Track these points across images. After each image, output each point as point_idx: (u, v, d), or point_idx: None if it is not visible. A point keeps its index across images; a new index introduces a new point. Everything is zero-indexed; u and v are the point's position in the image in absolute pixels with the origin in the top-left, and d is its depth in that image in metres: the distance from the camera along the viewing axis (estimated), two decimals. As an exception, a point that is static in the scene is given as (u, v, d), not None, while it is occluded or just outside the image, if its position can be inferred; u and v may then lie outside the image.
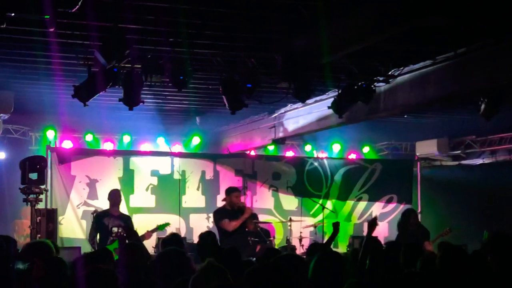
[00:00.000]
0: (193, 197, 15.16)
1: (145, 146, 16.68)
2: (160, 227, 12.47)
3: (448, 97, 11.43)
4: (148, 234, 12.23)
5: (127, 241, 10.25)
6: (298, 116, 15.54)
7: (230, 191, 12.48)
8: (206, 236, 9.05)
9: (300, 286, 5.45)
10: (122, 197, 12.92)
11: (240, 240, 11.52)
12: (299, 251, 12.66)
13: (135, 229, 12.07)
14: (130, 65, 10.96)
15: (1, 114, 14.03)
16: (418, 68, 11.47)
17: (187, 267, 6.18)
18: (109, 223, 12.05)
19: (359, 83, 11.62)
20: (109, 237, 11.89)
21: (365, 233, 12.54)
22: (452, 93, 11.14)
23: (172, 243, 8.00)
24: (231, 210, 12.18)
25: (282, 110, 15.99)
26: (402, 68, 11.63)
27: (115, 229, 11.82)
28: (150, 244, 12.51)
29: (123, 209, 13.19)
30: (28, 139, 16.90)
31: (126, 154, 15.39)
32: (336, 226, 9.02)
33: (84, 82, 10.95)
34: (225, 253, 7.90)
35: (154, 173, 15.02)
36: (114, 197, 12.51)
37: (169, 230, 12.93)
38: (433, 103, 12.21)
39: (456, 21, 8.47)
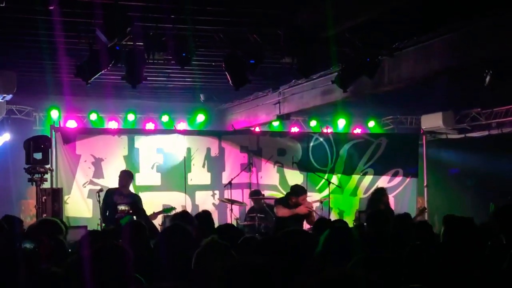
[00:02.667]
0: (198, 174, 15.15)
1: (149, 125, 16.67)
2: (166, 210, 12.50)
3: (453, 69, 11.36)
4: (154, 216, 12.28)
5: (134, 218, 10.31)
6: (302, 92, 15.50)
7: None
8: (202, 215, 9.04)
9: (306, 260, 5.43)
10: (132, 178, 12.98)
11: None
12: (305, 226, 12.64)
13: (142, 208, 12.17)
14: (132, 43, 10.92)
15: (4, 95, 13.99)
16: (422, 41, 11.40)
17: (191, 242, 6.16)
18: (118, 200, 12.11)
19: (363, 57, 11.54)
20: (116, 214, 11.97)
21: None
22: (456, 65, 11.08)
23: (181, 220, 7.96)
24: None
25: (286, 86, 15.94)
26: (406, 41, 11.56)
27: (121, 207, 11.88)
28: (156, 222, 12.55)
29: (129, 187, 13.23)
30: (32, 119, 16.90)
31: (130, 132, 15.36)
32: None
33: (87, 61, 10.91)
34: (223, 229, 7.88)
35: (159, 151, 15.00)
36: (123, 178, 12.54)
37: (176, 207, 12.98)
38: (438, 76, 12.13)
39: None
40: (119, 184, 12.52)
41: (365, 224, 9.28)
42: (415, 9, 9.56)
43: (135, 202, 12.16)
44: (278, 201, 12.55)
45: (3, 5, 8.13)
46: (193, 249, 5.44)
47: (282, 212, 12.11)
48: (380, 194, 13.12)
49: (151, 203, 12.88)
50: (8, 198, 15.44)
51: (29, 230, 7.62)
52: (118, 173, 12.84)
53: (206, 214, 9.08)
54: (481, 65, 11.20)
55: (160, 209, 13.08)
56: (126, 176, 12.61)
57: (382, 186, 15.30)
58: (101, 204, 12.40)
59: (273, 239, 5.90)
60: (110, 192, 12.44)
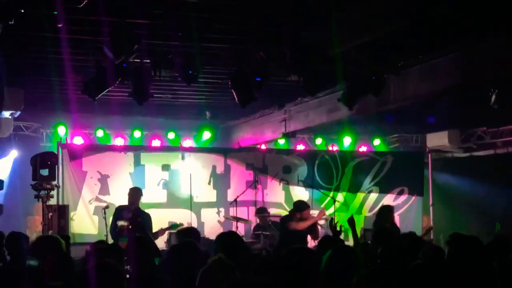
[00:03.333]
0: (204, 191, 15.16)
1: (155, 142, 16.70)
2: (173, 226, 12.46)
3: (458, 88, 11.38)
4: (162, 232, 12.23)
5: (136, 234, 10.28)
6: (308, 109, 15.54)
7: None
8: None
9: (310, 278, 5.44)
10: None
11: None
12: (310, 243, 12.62)
13: (148, 224, 12.06)
14: (139, 60, 10.96)
15: (12, 111, 14.06)
16: (428, 59, 11.43)
17: (199, 260, 6.16)
18: (126, 217, 12.01)
19: (369, 75, 11.57)
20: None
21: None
22: (462, 84, 11.10)
23: (189, 236, 7.94)
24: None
25: (292, 104, 15.97)
26: (411, 59, 11.58)
27: (120, 223, 11.80)
28: (161, 239, 12.53)
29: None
30: (39, 135, 16.95)
31: (137, 149, 15.40)
32: (351, 222, 8.93)
33: (93, 78, 10.97)
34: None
35: (165, 168, 15.02)
36: (131, 196, 12.43)
37: (183, 224, 12.96)
38: (443, 94, 12.14)
39: (465, 12, 8.44)
40: (128, 201, 12.41)
41: (369, 242, 9.28)
42: (421, 29, 9.59)
43: (135, 217, 11.98)
44: (287, 219, 12.45)
45: (12, 22, 8.18)
46: (201, 267, 5.44)
47: (297, 226, 12.04)
48: (386, 212, 13.07)
49: (157, 220, 12.86)
50: (14, 214, 15.46)
51: (31, 248, 7.62)
52: (124, 190, 12.82)
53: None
54: (487, 84, 11.21)
55: (166, 226, 13.05)
56: (134, 194, 12.53)
57: (388, 204, 15.27)
58: (110, 221, 12.34)
59: (277, 257, 5.91)
60: (120, 209, 12.33)
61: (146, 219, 12.09)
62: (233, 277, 5.16)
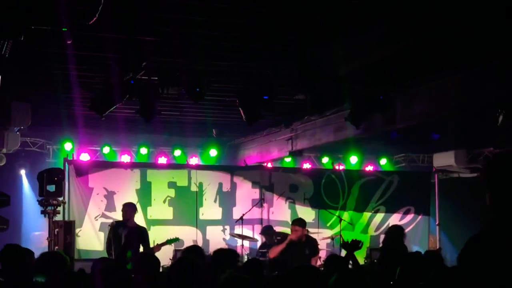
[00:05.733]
0: (210, 209, 15.15)
1: (162, 159, 16.72)
2: (169, 241, 12.41)
3: (465, 108, 11.37)
4: (157, 247, 12.15)
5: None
6: (315, 128, 15.54)
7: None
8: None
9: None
10: (139, 210, 12.92)
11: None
12: (316, 263, 12.58)
13: (144, 240, 12.02)
14: (146, 77, 10.99)
15: (19, 127, 14.10)
16: (435, 79, 11.42)
17: (201, 278, 6.14)
18: (123, 233, 11.95)
19: (376, 94, 11.57)
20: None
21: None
22: (469, 104, 11.08)
23: (192, 254, 7.93)
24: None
25: (299, 122, 15.98)
26: (418, 79, 11.58)
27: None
28: (167, 256, 12.50)
29: (141, 221, 13.24)
30: (45, 151, 16.98)
31: (143, 166, 15.42)
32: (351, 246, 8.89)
33: (101, 94, 11.00)
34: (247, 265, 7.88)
35: (171, 185, 15.02)
36: (123, 211, 12.38)
37: (186, 242, 12.94)
38: (450, 114, 12.14)
39: (471, 33, 8.45)
40: (123, 217, 12.35)
41: (375, 260, 9.24)
42: (427, 49, 9.59)
43: (130, 234, 11.91)
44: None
45: (22, 39, 8.22)
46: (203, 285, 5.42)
47: (271, 253, 12.15)
48: (398, 234, 12.82)
49: (163, 237, 12.84)
50: (20, 230, 15.48)
51: (36, 263, 7.59)
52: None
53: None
54: (494, 105, 11.19)
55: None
56: (128, 210, 12.45)
57: (394, 223, 15.24)
58: (107, 238, 12.31)
59: (283, 277, 5.87)
60: (116, 226, 12.28)
61: (143, 234, 12.06)
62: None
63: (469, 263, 3.28)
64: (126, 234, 11.71)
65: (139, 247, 11.70)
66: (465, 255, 3.31)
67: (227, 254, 8.39)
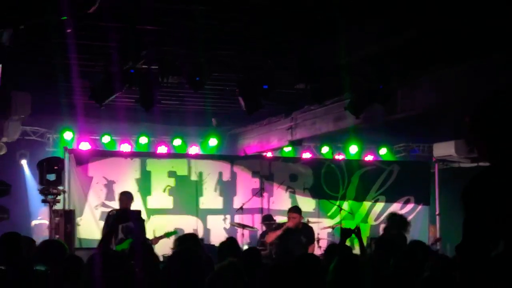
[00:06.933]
0: (210, 198, 15.16)
1: (162, 148, 16.70)
2: (168, 234, 12.39)
3: (466, 100, 11.34)
4: (155, 240, 12.13)
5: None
6: (315, 118, 15.52)
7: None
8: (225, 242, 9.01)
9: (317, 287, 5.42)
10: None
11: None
12: (317, 252, 12.61)
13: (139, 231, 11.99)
14: (146, 66, 10.98)
15: (19, 116, 14.08)
16: (436, 70, 11.39)
17: (200, 267, 6.14)
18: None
19: (376, 84, 11.55)
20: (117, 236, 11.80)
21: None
22: (469, 97, 11.05)
23: (188, 242, 7.95)
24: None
25: (299, 112, 15.96)
26: (420, 69, 11.56)
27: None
28: (167, 245, 12.48)
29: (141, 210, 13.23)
30: (45, 140, 16.96)
31: (143, 155, 15.41)
32: (358, 231, 8.91)
33: (101, 83, 10.99)
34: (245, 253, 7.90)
35: (171, 174, 15.03)
36: (120, 200, 12.38)
37: (187, 231, 12.90)
38: (451, 106, 12.12)
39: (472, 26, 8.43)
40: (120, 206, 12.32)
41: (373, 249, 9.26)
42: (429, 40, 9.57)
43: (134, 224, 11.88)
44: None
45: (22, 27, 8.21)
46: (203, 274, 5.42)
47: (270, 237, 12.25)
48: (393, 222, 12.78)
49: (163, 226, 12.86)
50: (21, 219, 15.47)
51: (37, 252, 7.60)
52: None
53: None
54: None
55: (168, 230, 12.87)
56: (125, 199, 12.47)
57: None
58: (103, 226, 12.30)
59: (283, 266, 5.88)
60: (113, 215, 12.23)
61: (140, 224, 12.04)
62: (241, 281, 5.15)
63: (472, 198, 3.26)
64: (124, 225, 11.68)
65: (139, 238, 11.67)
66: (468, 191, 3.28)
67: (231, 244, 8.46)
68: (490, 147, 3.25)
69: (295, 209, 12.52)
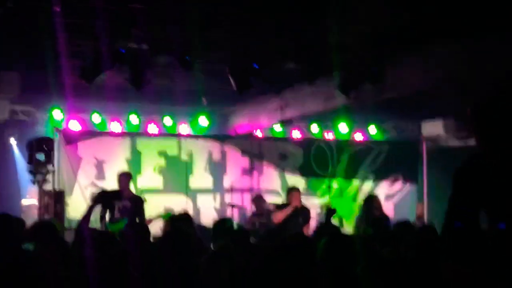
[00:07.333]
0: (200, 177, 15.17)
1: (152, 126, 16.63)
2: (163, 216, 12.40)
3: (455, 80, 11.36)
4: (149, 221, 12.12)
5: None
6: (304, 96, 15.50)
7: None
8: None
9: (308, 266, 5.43)
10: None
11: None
12: (306, 231, 12.65)
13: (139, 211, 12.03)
14: (136, 46, 10.93)
15: (7, 95, 14.01)
16: (427, 50, 11.38)
17: (193, 248, 6.15)
18: (118, 203, 11.91)
19: (366, 64, 11.55)
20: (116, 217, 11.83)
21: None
22: (460, 77, 11.07)
23: (181, 222, 7.97)
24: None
25: (289, 90, 15.93)
26: (410, 49, 11.55)
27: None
28: (157, 226, 12.49)
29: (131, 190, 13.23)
30: (34, 120, 16.86)
31: (133, 135, 15.38)
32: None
33: (90, 62, 10.93)
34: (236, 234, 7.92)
35: (161, 154, 15.01)
36: (118, 181, 12.36)
37: (177, 210, 12.90)
38: (441, 85, 12.13)
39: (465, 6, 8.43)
40: (120, 187, 12.31)
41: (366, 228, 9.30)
42: (420, 19, 9.56)
43: (132, 205, 11.90)
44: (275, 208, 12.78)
45: (11, 5, 8.15)
46: (195, 254, 5.44)
47: (277, 217, 12.22)
48: (371, 201, 12.94)
49: (153, 205, 12.85)
50: (10, 198, 15.44)
51: (27, 232, 7.59)
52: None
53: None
54: (486, 78, 11.17)
55: (161, 211, 12.89)
56: (124, 179, 12.49)
57: (383, 192, 15.37)
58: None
59: (274, 247, 5.89)
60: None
61: (140, 205, 12.05)
62: (235, 263, 5.18)
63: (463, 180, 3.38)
64: (121, 205, 11.70)
65: (135, 219, 11.70)
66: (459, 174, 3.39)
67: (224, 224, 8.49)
68: (489, 146, 3.32)
69: (297, 189, 12.64)
